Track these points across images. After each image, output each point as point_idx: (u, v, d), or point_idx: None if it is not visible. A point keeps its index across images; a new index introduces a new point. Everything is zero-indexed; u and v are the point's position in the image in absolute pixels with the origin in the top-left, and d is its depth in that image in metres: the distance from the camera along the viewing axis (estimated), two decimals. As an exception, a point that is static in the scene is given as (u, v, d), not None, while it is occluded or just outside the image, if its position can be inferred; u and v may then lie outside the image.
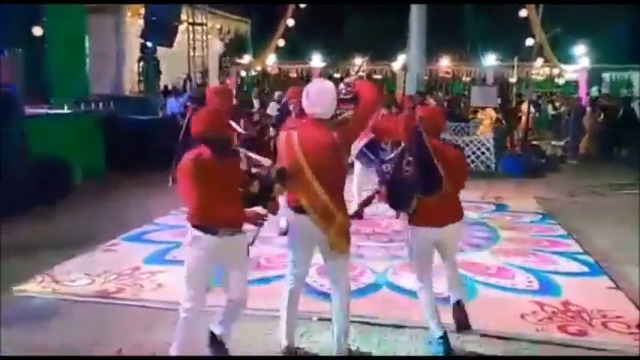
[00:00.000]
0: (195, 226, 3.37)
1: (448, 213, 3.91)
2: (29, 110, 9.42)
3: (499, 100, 15.05)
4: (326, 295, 4.68)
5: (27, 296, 4.89)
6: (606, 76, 20.68)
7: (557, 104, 18.09)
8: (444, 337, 3.91)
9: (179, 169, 3.35)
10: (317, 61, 21.86)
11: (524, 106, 14.12)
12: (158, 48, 14.75)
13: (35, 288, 5.01)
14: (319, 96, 3.56)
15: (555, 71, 20.75)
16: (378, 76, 22.90)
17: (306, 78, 21.51)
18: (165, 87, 16.41)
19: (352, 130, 3.66)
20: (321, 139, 3.50)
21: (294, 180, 3.50)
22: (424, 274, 4.00)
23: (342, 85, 3.97)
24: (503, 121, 13.52)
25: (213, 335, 3.65)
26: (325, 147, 3.48)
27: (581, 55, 19.92)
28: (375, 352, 3.96)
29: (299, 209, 3.55)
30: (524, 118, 13.62)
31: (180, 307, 3.53)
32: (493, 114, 13.59)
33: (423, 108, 4.64)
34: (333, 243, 3.56)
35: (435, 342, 3.94)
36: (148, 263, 5.69)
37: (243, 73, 22.88)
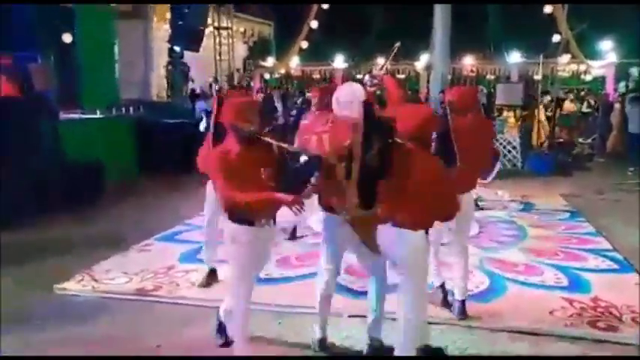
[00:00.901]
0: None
1: (462, 184, 4.31)
2: (63, 115, 9.72)
3: (550, 96, 14.61)
4: (356, 293, 4.81)
5: (68, 294, 5.09)
6: (634, 70, 20.30)
7: (591, 101, 17.67)
8: (442, 287, 4.70)
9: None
10: (340, 62, 21.91)
11: (567, 104, 13.93)
12: (186, 53, 14.98)
13: (75, 286, 5.21)
14: (348, 101, 3.63)
15: (582, 67, 20.47)
16: (401, 76, 22.88)
17: (328, 79, 21.59)
18: (193, 91, 16.64)
19: None
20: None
21: (326, 180, 3.59)
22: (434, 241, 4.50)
23: (367, 77, 4.09)
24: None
25: None
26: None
27: (609, 50, 19.61)
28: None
29: (331, 209, 3.68)
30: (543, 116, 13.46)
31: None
32: (542, 116, 13.37)
33: (451, 91, 4.84)
34: (364, 241, 3.68)
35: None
36: (182, 262, 5.86)
37: (266, 76, 23.06)
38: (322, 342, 3.96)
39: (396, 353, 3.56)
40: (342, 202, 3.57)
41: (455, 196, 3.63)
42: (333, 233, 3.77)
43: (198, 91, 16.28)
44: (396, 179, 3.36)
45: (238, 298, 3.61)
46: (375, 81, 4.11)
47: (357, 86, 3.78)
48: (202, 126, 5.70)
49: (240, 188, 3.34)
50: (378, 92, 4.71)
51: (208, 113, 10.69)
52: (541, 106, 13.71)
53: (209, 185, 4.93)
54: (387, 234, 3.48)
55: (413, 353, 3.54)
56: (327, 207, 3.72)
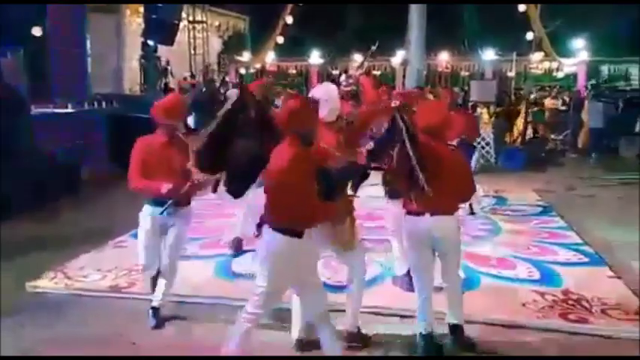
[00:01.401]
0: None
1: None
2: (35, 110, 9.54)
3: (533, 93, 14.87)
4: (334, 288, 4.82)
5: (40, 292, 5.01)
6: (604, 68, 20.71)
7: (566, 99, 17.89)
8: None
9: None
10: (316, 57, 21.91)
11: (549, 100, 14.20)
12: (161, 47, 14.80)
13: (48, 284, 5.13)
14: (323, 102, 3.65)
15: (554, 65, 20.79)
16: (377, 72, 22.95)
17: (304, 74, 21.59)
18: (166, 85, 16.43)
19: (357, 131, 3.81)
20: (328, 141, 3.61)
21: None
22: None
23: (343, 77, 4.14)
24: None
25: None
26: (329, 149, 3.59)
27: (581, 48, 19.95)
28: (383, 340, 4.08)
29: None
30: (522, 113, 13.68)
31: None
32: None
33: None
34: (340, 240, 3.72)
35: None
36: (156, 259, 5.79)
37: (242, 71, 22.91)
38: (299, 342, 3.93)
39: (451, 310, 4.00)
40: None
41: (472, 177, 3.99)
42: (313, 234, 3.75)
43: (172, 85, 16.03)
44: (430, 173, 3.50)
45: (254, 308, 3.37)
46: (351, 81, 4.18)
47: (332, 86, 3.82)
48: (191, 121, 5.53)
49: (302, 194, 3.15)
50: (354, 88, 4.75)
51: (198, 108, 10.12)
52: (524, 103, 13.88)
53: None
54: (425, 223, 3.74)
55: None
56: None
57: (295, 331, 3.96)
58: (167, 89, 15.84)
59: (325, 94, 3.70)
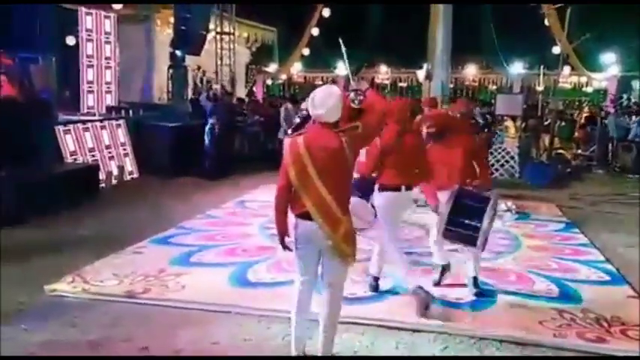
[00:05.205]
0: None
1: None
2: (62, 117, 9.75)
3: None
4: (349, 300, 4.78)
5: (58, 295, 5.06)
6: (636, 83, 20.33)
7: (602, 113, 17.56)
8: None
9: None
10: (342, 69, 21.97)
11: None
12: (188, 57, 15.03)
13: (66, 287, 5.18)
14: (323, 99, 3.55)
15: (583, 79, 20.50)
16: (404, 84, 22.96)
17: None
18: (199, 94, 16.52)
19: (360, 136, 3.63)
20: (327, 142, 3.51)
21: (299, 184, 3.52)
22: None
23: (352, 94, 4.13)
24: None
25: None
26: (331, 150, 3.49)
27: (611, 62, 19.62)
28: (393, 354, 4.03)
29: (304, 215, 3.54)
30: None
31: None
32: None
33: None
34: (337, 248, 3.54)
35: None
36: (173, 265, 5.84)
37: (269, 82, 23.12)
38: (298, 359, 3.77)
39: None
40: (316, 205, 3.51)
41: None
42: (309, 240, 3.60)
43: (202, 95, 16.13)
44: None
45: None
46: (360, 97, 4.16)
47: (334, 87, 3.73)
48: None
49: None
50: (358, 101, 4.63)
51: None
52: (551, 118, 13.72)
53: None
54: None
55: None
56: (301, 214, 3.57)
57: (293, 349, 3.78)
58: (194, 100, 16.00)
59: (325, 93, 3.58)
